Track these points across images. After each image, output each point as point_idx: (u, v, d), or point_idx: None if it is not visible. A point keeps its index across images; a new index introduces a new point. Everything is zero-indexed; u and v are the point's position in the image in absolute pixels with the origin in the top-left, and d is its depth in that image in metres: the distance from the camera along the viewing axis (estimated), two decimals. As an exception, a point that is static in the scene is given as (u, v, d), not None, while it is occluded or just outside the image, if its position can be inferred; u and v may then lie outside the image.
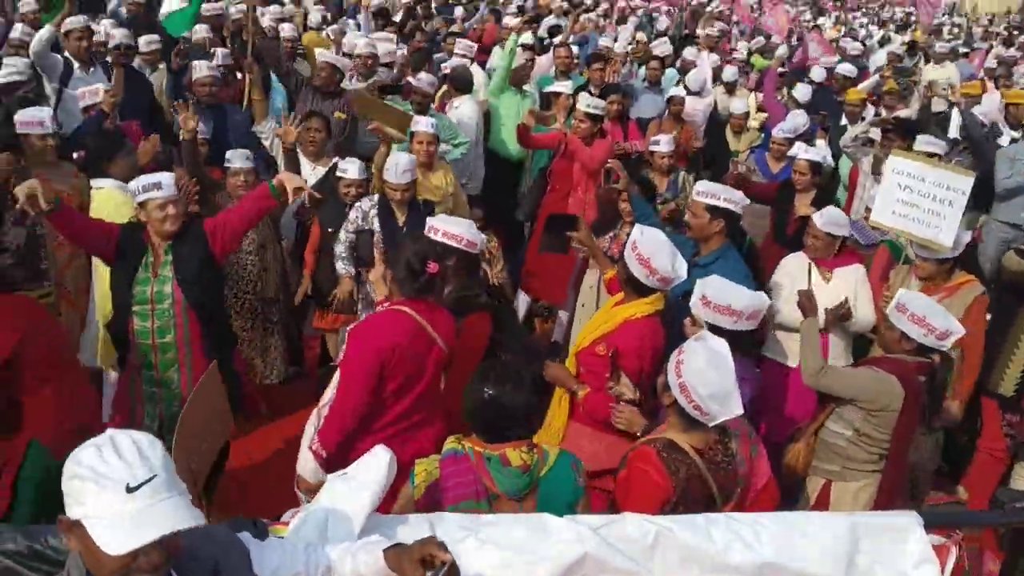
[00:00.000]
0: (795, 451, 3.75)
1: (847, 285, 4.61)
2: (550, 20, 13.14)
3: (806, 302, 4.09)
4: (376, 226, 5.01)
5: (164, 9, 7.82)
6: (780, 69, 10.01)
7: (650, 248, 3.50)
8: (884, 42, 16.93)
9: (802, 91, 8.71)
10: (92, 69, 6.71)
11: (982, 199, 6.93)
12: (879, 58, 13.58)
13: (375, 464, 2.24)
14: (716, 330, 3.26)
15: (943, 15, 24.94)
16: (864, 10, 28.02)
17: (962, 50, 15.93)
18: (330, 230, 5.20)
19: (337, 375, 3.31)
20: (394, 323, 3.23)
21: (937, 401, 3.80)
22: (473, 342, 3.70)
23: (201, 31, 7.93)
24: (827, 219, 4.61)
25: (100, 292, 4.48)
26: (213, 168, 5.29)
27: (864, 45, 14.91)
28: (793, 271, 4.72)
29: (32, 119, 4.80)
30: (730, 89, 9.14)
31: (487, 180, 7.35)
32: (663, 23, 14.19)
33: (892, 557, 2.48)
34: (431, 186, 5.71)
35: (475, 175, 7.26)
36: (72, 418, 3.21)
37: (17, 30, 7.08)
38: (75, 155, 5.07)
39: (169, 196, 3.76)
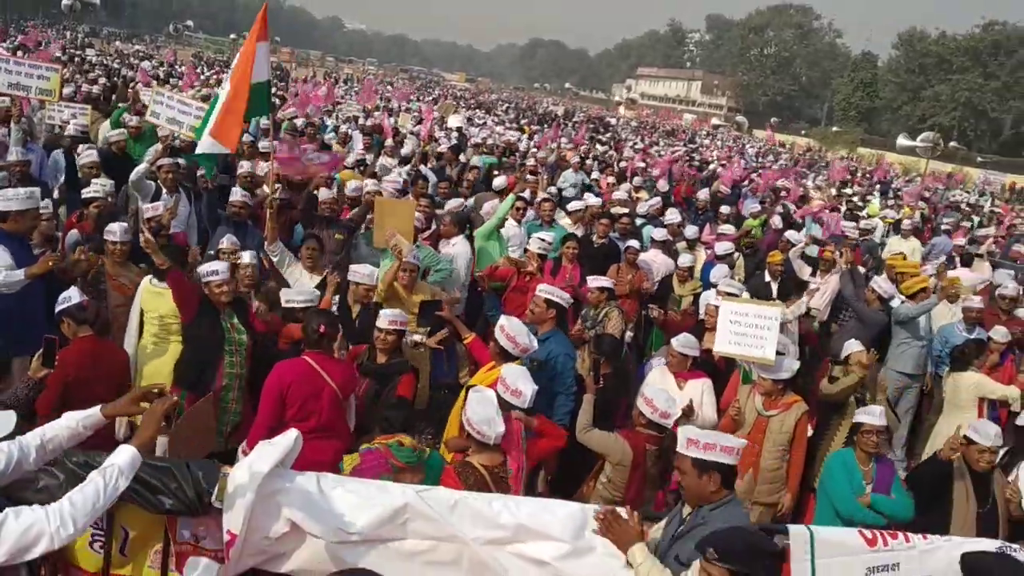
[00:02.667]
0: (587, 489, 5.21)
1: (696, 392, 6.12)
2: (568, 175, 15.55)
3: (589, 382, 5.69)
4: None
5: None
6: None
7: (514, 329, 5.17)
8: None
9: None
10: (176, 194, 8.70)
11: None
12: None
13: (284, 436, 3.79)
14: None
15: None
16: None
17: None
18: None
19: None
20: (292, 367, 4.93)
21: (667, 463, 5.16)
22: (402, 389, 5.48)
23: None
24: (682, 343, 6.18)
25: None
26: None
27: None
28: (657, 379, 6.24)
29: (112, 230, 6.68)
30: (690, 245, 10.80)
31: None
32: (663, 185, 16.14)
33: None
34: (411, 303, 7.37)
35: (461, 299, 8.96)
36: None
37: (89, 156, 9.27)
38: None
39: (224, 279, 5.70)
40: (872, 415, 5.37)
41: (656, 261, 9.89)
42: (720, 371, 6.83)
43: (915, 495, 5.36)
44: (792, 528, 4.13)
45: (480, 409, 4.25)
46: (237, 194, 8.48)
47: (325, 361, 5.08)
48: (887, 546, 4.14)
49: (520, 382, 4.65)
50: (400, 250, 7.08)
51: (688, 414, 5.94)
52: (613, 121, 54.97)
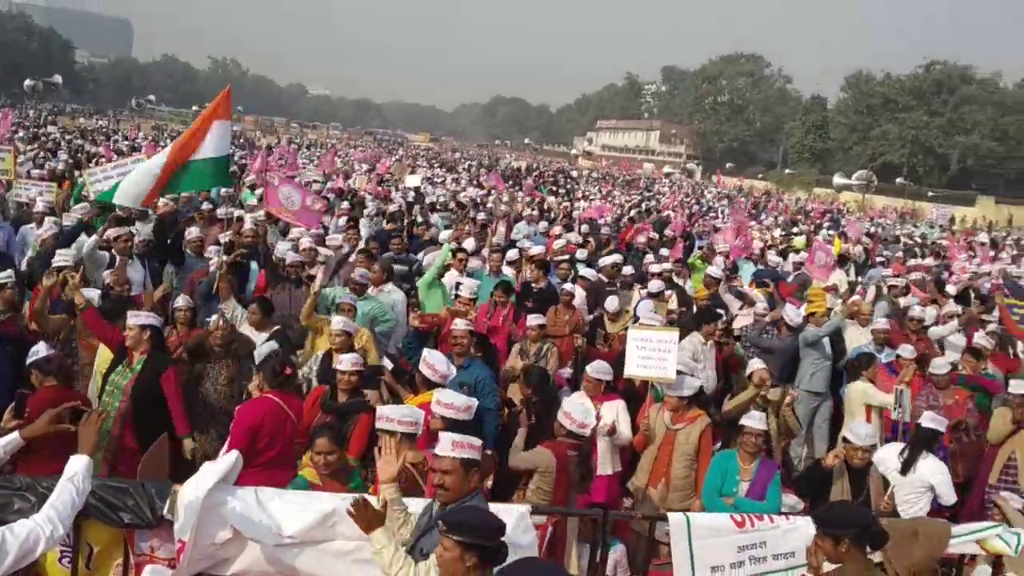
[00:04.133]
0: (518, 497, 5.84)
1: (612, 412, 6.80)
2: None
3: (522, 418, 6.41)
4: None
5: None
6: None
7: (434, 359, 6.08)
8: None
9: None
10: (130, 261, 9.31)
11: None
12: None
13: (225, 457, 4.41)
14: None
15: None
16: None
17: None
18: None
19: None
20: (262, 405, 5.56)
21: (586, 468, 5.91)
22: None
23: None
24: (595, 368, 6.89)
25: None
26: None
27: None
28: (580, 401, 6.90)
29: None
30: (625, 284, 11.56)
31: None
32: (606, 231, 17.04)
33: (515, 528, 4.56)
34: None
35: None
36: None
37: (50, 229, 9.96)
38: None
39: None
40: (753, 419, 6.07)
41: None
42: (640, 395, 7.52)
43: (800, 491, 6.06)
44: (671, 515, 4.81)
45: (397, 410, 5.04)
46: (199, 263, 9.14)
47: (287, 398, 5.72)
48: (754, 527, 4.84)
49: (453, 398, 5.44)
50: None
51: (612, 432, 6.63)
52: (575, 174, 56.35)
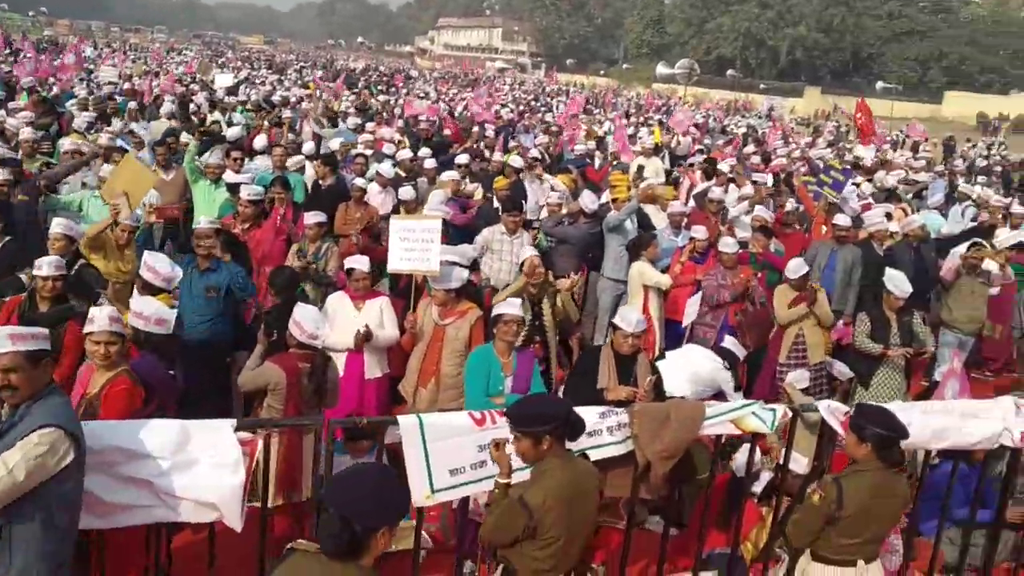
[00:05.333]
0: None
1: (374, 311, 6.27)
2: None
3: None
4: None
5: None
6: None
7: (154, 260, 5.56)
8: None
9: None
10: None
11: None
12: None
13: None
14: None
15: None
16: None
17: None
18: None
19: None
20: None
21: (320, 380, 5.35)
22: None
23: None
24: (356, 262, 6.29)
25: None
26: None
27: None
28: (335, 304, 6.33)
29: None
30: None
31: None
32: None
33: (220, 447, 4.00)
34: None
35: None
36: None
37: None
38: None
39: None
40: (510, 306, 5.62)
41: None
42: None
43: (570, 378, 5.75)
44: (401, 419, 4.34)
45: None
46: None
47: None
48: (495, 424, 4.42)
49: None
50: (119, 211, 6.98)
51: (368, 338, 6.10)
52: (415, 74, 54.58)
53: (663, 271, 8.47)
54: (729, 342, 7.17)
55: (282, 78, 33.31)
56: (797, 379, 7.10)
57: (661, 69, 46.18)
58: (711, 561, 5.36)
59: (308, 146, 11.57)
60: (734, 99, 55.35)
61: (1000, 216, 12.20)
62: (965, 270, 8.94)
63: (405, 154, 11.27)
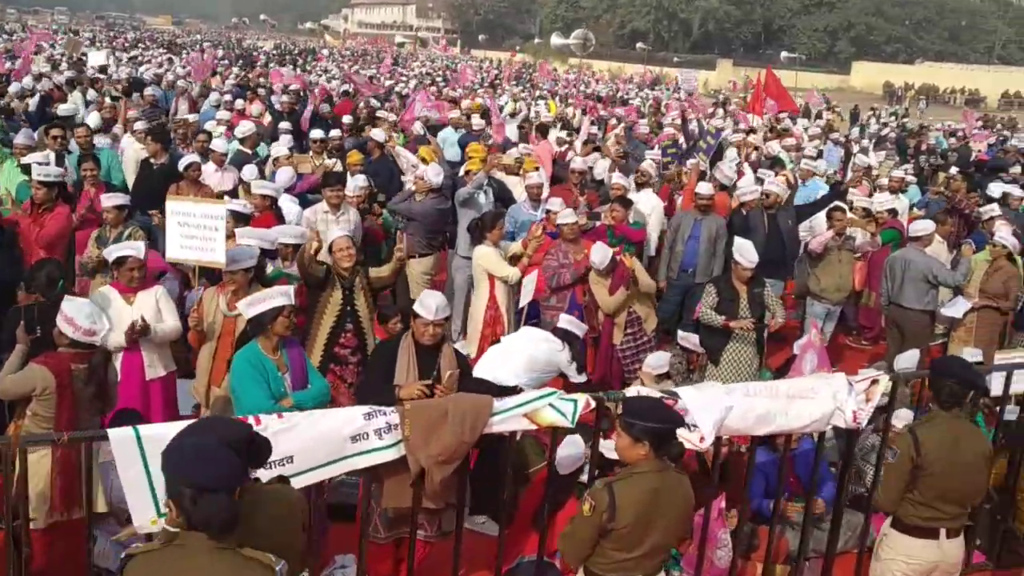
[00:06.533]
0: (14, 429, 4.59)
1: (149, 303, 5.54)
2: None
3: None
4: None
5: None
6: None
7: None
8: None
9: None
10: None
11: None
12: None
13: None
14: None
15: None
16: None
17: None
18: None
19: None
20: None
21: (101, 381, 4.77)
22: None
23: None
24: (126, 248, 5.54)
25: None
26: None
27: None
28: (100, 300, 5.51)
29: None
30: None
31: None
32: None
33: None
34: None
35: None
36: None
37: None
38: None
39: None
40: (280, 296, 4.93)
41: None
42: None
43: (364, 372, 5.12)
44: (112, 433, 3.68)
45: None
46: None
47: None
48: (259, 424, 3.80)
49: None
50: None
51: (144, 332, 5.39)
52: (326, 52, 53.11)
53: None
54: (564, 320, 6.67)
55: (172, 58, 31.86)
56: (655, 364, 6.57)
57: (555, 40, 45.82)
58: (520, 570, 4.84)
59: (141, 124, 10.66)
60: (647, 72, 55.21)
61: (860, 177, 12.06)
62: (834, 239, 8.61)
63: (245, 128, 10.45)
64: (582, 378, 6.63)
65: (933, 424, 4.31)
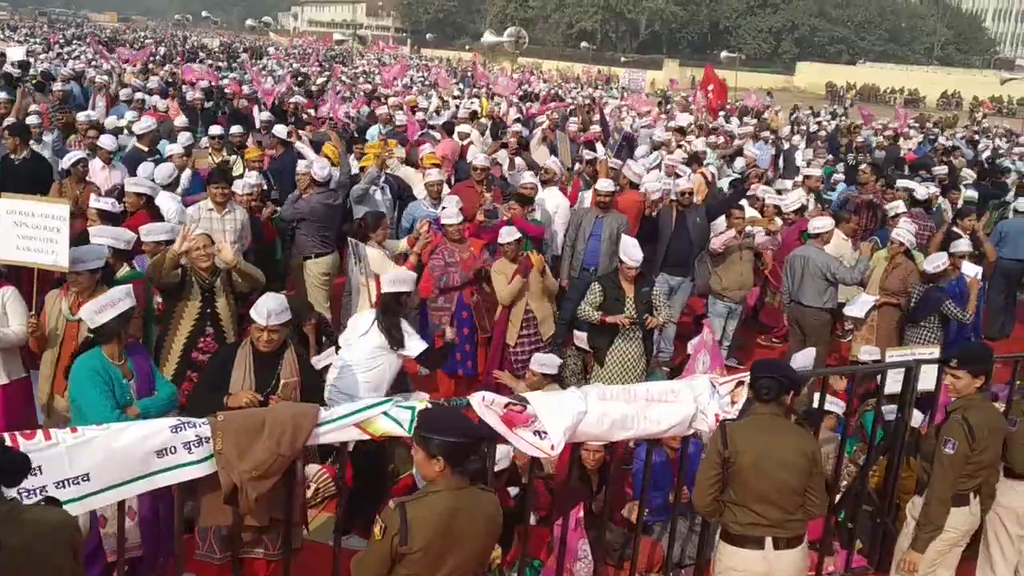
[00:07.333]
0: None
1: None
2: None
3: None
4: None
5: None
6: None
7: None
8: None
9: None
10: None
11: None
12: None
13: None
14: None
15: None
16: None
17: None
18: None
19: None
20: None
21: None
22: None
23: None
24: None
25: None
26: None
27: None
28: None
29: None
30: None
31: None
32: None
33: None
34: None
35: None
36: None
37: None
38: None
39: None
40: (128, 296, 4.56)
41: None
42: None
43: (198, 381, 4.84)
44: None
45: None
46: None
47: None
48: (49, 440, 3.52)
49: None
50: None
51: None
52: (272, 51, 52.23)
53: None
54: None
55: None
56: (542, 362, 6.29)
57: (488, 37, 45.45)
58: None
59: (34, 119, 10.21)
60: (596, 71, 55.24)
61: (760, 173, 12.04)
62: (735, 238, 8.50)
63: (143, 125, 10.05)
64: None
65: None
